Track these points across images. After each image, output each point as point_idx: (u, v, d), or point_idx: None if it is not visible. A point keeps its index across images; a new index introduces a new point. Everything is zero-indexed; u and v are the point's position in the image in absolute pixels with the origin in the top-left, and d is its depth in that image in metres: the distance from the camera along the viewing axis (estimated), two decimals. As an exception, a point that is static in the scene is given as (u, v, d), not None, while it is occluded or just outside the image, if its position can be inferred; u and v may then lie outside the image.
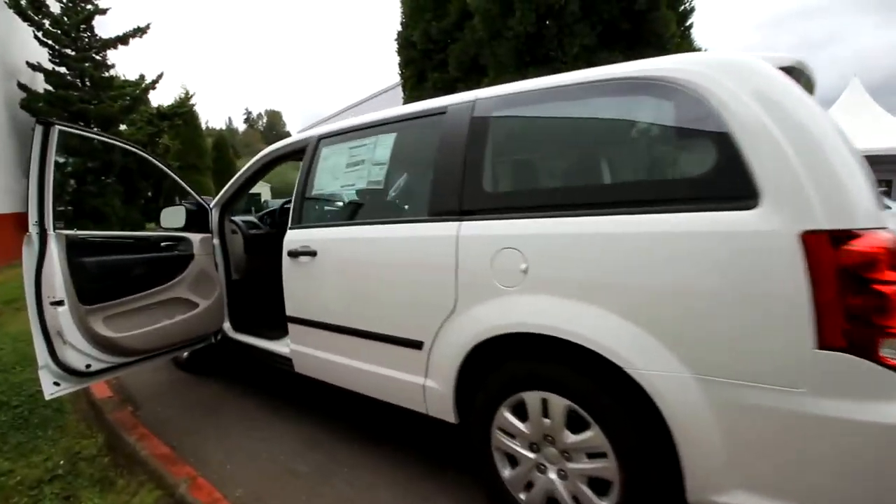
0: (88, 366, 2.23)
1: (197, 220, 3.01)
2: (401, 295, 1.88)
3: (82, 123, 11.77)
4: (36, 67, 10.84)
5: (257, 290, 3.27)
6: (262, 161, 2.80)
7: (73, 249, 2.20)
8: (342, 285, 2.14)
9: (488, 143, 1.73)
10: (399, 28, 9.66)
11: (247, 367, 3.40)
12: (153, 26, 12.13)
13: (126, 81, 12.94)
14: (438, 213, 1.78)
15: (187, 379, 3.36)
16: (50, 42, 11.04)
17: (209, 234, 3.00)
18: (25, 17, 10.47)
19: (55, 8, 11.27)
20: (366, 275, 2.02)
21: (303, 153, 2.48)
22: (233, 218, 3.25)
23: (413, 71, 9.38)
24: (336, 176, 2.36)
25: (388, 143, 2.13)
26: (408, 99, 9.43)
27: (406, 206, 2.18)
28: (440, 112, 1.90)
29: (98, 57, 11.90)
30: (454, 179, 1.75)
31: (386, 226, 2.00)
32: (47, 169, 2.14)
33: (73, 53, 11.39)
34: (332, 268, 2.18)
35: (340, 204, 2.50)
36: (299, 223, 2.39)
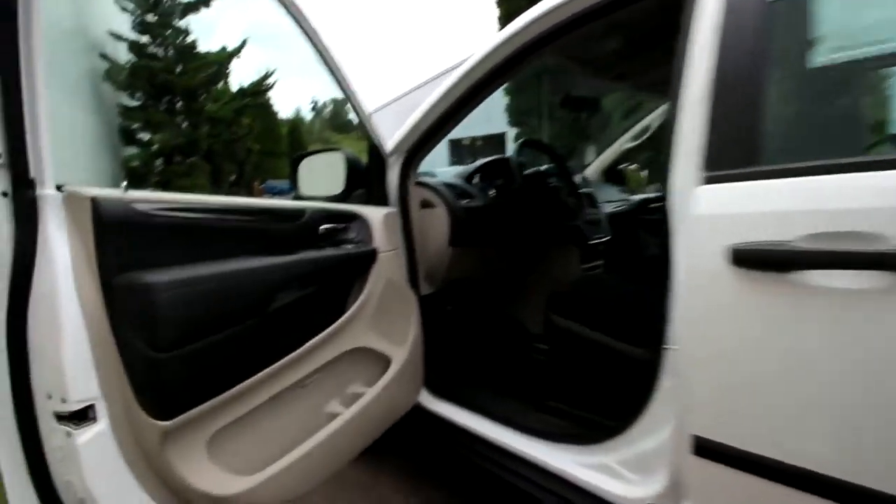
0: None
1: (363, 180, 1.48)
2: None
3: (168, 98, 11.12)
4: (118, 37, 10.18)
5: (467, 318, 1.71)
6: (513, 46, 1.13)
7: (115, 238, 0.72)
8: None
9: None
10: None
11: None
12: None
13: (208, 53, 12.14)
14: None
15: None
16: (131, 7, 10.33)
17: (394, 210, 1.46)
18: (107, -17, 9.77)
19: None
20: None
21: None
22: (425, 178, 1.67)
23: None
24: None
25: None
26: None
27: None
28: None
29: (180, 24, 11.09)
30: None
31: None
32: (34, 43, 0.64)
33: (154, 19, 10.63)
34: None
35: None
36: (751, 164, 0.72)
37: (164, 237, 0.78)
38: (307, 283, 1.04)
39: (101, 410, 0.72)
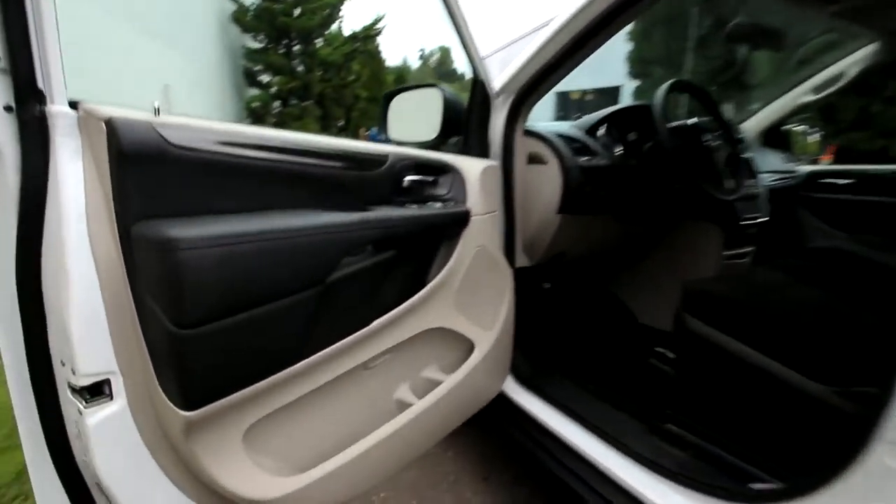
0: None
1: (461, 125, 1.23)
2: None
3: (286, 41, 11.55)
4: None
5: (567, 300, 1.43)
6: None
7: (136, 173, 0.56)
8: None
9: None
10: None
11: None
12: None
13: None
14: None
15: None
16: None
17: (495, 164, 1.19)
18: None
19: None
20: None
21: None
22: (535, 128, 1.36)
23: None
24: None
25: None
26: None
27: None
28: None
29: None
30: None
31: None
32: None
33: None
34: None
35: None
36: None
37: (201, 178, 0.60)
38: (382, 248, 0.84)
39: (119, 388, 0.60)
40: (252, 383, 0.64)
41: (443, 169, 1.04)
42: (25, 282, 0.56)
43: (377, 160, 0.86)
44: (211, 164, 0.61)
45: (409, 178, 0.93)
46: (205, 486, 0.67)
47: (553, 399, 1.25)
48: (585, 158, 1.34)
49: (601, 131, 1.49)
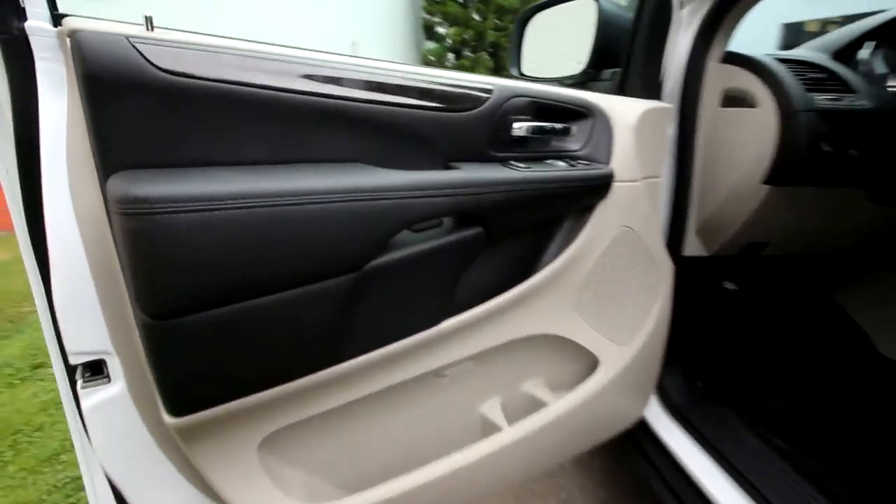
0: None
1: (621, 54, 0.86)
2: None
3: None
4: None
5: (763, 310, 0.99)
6: None
7: (117, 107, 0.41)
8: None
9: None
10: None
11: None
12: None
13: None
14: None
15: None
16: None
17: (666, 106, 0.81)
18: None
19: None
20: None
21: None
22: (744, 53, 0.90)
23: None
24: None
25: None
26: None
27: None
28: None
29: None
30: None
31: None
32: None
33: None
34: None
35: None
36: None
37: (198, 115, 0.44)
38: (465, 223, 0.59)
39: (116, 369, 0.50)
40: (259, 391, 0.49)
41: (579, 112, 0.72)
42: (33, 225, 0.48)
43: (472, 97, 0.60)
44: (213, 95, 0.44)
45: (521, 124, 0.64)
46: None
47: (709, 441, 0.88)
48: (828, 98, 0.84)
49: (864, 54, 0.93)
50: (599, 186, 0.69)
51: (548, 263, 0.69)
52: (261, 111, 0.47)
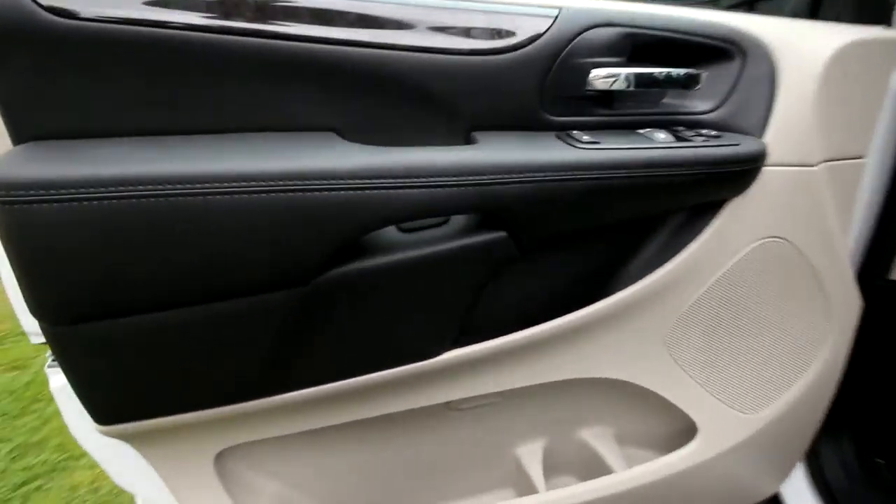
0: None
1: None
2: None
3: None
4: None
5: None
6: None
7: (16, 63, 0.32)
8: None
9: None
10: None
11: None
12: None
13: None
14: None
15: None
16: None
17: (889, 34, 0.47)
18: None
19: None
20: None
21: None
22: None
23: None
24: None
25: None
26: None
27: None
28: None
29: None
30: None
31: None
32: None
33: None
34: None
35: None
36: None
37: (115, 67, 0.33)
38: (487, 223, 0.41)
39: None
40: (196, 410, 0.40)
41: (717, 51, 0.45)
42: None
43: (516, 28, 0.39)
44: (124, 42, 0.33)
45: (607, 71, 0.41)
46: None
47: None
48: None
49: None
50: (733, 175, 0.43)
51: (629, 283, 0.47)
52: (192, 62, 0.34)
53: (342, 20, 0.36)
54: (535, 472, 0.55)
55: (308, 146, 0.36)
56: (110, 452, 0.51)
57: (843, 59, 0.45)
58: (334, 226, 0.35)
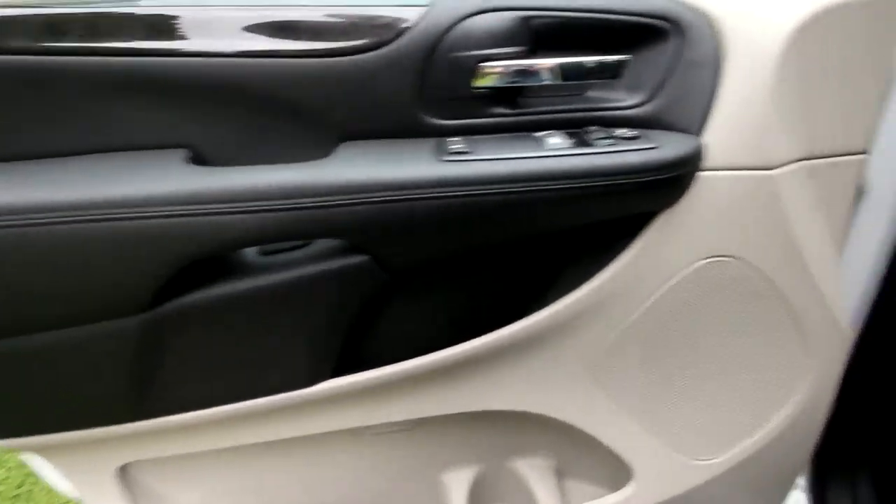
0: None
1: None
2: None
3: None
4: None
5: None
6: None
7: None
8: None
9: None
10: None
11: None
12: None
13: None
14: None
15: None
16: None
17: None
18: None
19: None
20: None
21: None
22: None
23: None
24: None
25: None
26: None
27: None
28: None
29: None
30: None
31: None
32: None
33: None
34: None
35: None
36: None
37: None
38: (355, 249, 0.36)
39: None
40: (68, 430, 0.41)
41: (643, 29, 0.37)
42: None
43: (375, 24, 0.34)
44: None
45: (498, 64, 0.35)
46: None
47: None
48: None
49: None
50: (652, 184, 0.35)
51: (542, 306, 0.41)
52: (26, 86, 0.33)
53: (175, 29, 0.33)
54: (458, 501, 0.51)
55: (148, 169, 0.34)
56: (41, 460, 0.54)
57: (815, 30, 0.35)
58: (158, 254, 0.33)
